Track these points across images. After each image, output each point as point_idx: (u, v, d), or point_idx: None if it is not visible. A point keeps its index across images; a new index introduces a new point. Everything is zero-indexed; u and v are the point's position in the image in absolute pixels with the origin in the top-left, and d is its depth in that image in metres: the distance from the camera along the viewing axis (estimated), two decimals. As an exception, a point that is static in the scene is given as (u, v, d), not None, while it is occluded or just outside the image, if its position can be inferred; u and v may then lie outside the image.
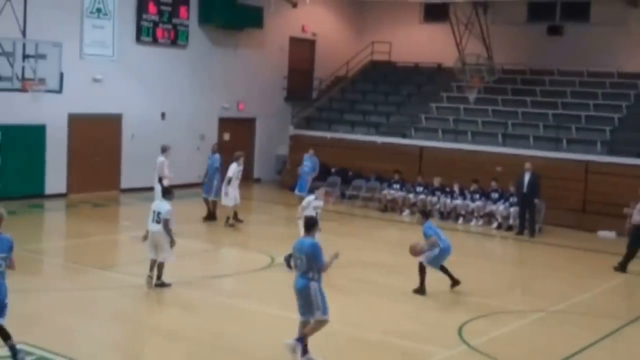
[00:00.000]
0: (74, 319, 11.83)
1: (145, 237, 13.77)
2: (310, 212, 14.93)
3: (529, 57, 27.47)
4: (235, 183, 19.71)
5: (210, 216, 20.05)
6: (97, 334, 11.36)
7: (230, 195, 19.55)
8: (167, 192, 14.03)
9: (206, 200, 20.19)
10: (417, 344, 11.33)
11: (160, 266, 13.55)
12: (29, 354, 9.95)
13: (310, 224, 10.58)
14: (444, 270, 14.37)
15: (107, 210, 20.69)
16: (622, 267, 16.97)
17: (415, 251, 13.97)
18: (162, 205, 13.58)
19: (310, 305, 10.15)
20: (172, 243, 13.47)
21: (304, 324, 10.26)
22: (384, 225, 22.04)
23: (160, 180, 18.67)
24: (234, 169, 19.66)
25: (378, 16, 31.80)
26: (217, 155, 20.41)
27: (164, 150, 19.06)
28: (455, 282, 14.48)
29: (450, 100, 27.38)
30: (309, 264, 10.11)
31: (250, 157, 28.98)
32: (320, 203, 15.29)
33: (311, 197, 15.36)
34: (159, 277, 13.58)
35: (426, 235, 14.17)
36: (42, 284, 14.10)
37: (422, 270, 14.18)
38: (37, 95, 19.82)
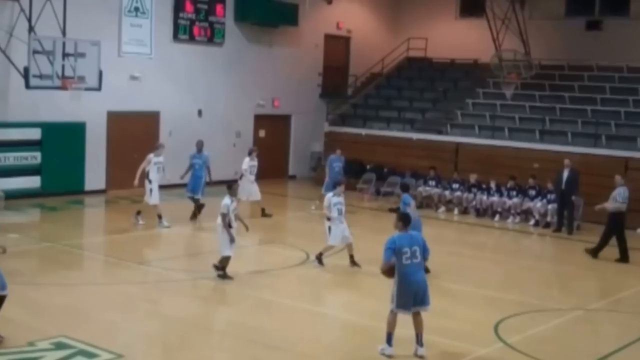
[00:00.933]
0: (113, 313, 12.00)
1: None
2: (332, 210, 14.96)
3: (567, 52, 27.19)
4: (250, 177, 19.84)
5: (196, 215, 19.56)
6: (136, 328, 11.52)
7: (245, 190, 19.55)
8: (229, 187, 14.13)
9: (193, 199, 19.52)
10: (453, 341, 11.31)
11: (222, 259, 13.86)
12: (70, 347, 10.12)
13: (407, 219, 10.57)
14: None
15: (146, 206, 20.87)
16: (594, 253, 17.45)
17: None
18: (224, 199, 13.86)
19: (428, 295, 10.49)
20: (230, 240, 13.74)
21: (416, 316, 10.46)
22: (419, 222, 21.98)
23: (147, 176, 18.37)
24: (247, 163, 19.88)
25: (414, 12, 31.70)
26: (206, 154, 19.89)
27: (156, 148, 18.73)
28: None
29: (487, 97, 27.23)
30: (422, 256, 10.41)
31: (285, 153, 29.19)
32: (339, 199, 15.21)
33: (330, 194, 15.44)
34: (221, 267, 13.89)
35: (405, 204, 14.77)
36: (82, 279, 14.32)
37: None
38: (76, 93, 20.09)
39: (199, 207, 19.53)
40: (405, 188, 15.90)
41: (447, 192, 23.55)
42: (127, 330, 11.33)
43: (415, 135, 26.69)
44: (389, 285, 10.49)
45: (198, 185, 19.51)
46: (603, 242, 17.55)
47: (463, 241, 19.96)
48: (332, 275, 14.98)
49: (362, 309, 12.84)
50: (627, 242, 17.53)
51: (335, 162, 22.55)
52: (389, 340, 10.38)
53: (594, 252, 17.53)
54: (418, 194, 24.03)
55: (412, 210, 14.33)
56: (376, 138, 27.26)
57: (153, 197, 18.46)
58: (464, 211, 23.11)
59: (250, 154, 20.34)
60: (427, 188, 23.90)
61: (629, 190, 17.57)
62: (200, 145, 19.90)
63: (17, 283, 13.01)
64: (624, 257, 17.30)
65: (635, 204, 21.10)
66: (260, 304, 12.98)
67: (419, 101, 28.97)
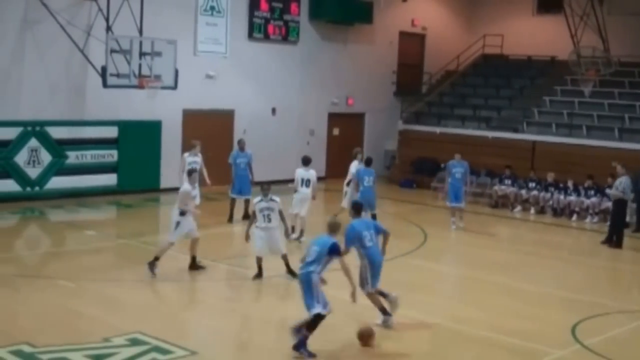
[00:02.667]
0: (188, 310, 12.15)
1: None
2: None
3: (648, 48, 26.48)
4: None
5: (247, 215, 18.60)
6: (210, 325, 11.61)
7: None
8: (262, 188, 13.95)
9: (234, 201, 19.15)
10: (526, 342, 11.08)
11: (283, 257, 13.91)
12: (145, 343, 10.26)
13: (358, 207, 11.83)
14: None
15: (219, 204, 21.03)
16: (617, 244, 18.17)
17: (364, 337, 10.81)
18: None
19: None
20: (285, 233, 14.23)
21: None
22: (494, 221, 21.69)
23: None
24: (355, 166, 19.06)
25: (490, 8, 31.30)
26: (250, 152, 19.39)
27: (192, 147, 18.44)
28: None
29: (565, 94, 26.68)
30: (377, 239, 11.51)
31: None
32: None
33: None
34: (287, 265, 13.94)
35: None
36: (157, 276, 14.48)
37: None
38: (152, 91, 20.33)
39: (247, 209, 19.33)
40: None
41: (523, 191, 23.16)
42: (201, 327, 11.44)
43: (490, 134, 26.34)
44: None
45: (246, 185, 19.02)
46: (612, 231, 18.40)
47: (540, 241, 19.59)
48: (405, 275, 14.83)
49: (436, 309, 12.66)
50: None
51: (456, 168, 20.23)
52: (385, 311, 11.14)
53: (609, 241, 18.26)
54: (493, 193, 23.74)
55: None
56: (451, 136, 26.95)
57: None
58: (541, 210, 22.69)
59: (355, 156, 19.31)
60: (503, 187, 23.55)
61: (631, 179, 18.43)
62: (242, 144, 19.45)
63: (93, 280, 13.31)
64: (618, 243, 18.17)
65: None
66: (332, 302, 12.93)
67: (495, 99, 28.56)
